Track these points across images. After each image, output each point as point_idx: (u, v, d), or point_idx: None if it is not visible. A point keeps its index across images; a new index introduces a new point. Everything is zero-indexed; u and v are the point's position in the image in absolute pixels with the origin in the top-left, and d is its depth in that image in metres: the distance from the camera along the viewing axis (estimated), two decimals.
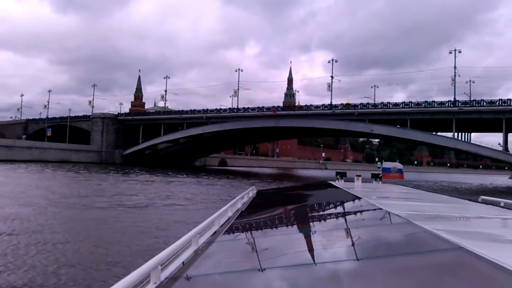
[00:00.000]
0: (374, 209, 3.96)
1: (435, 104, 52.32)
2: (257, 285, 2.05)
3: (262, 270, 2.11)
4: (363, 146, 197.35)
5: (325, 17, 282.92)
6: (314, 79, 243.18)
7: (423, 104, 53.00)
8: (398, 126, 53.65)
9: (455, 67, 54.18)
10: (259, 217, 4.50)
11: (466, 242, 2.03)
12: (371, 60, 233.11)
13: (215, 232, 3.14)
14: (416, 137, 53.36)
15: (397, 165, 11.53)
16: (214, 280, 2.16)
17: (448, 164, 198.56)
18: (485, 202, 4.74)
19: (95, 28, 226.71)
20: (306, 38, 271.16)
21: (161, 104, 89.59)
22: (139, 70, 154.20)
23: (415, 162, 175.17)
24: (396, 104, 55.32)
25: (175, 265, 2.23)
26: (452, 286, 1.71)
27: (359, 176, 8.03)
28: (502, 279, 1.59)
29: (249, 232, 3.57)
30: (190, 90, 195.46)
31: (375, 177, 8.87)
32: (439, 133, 54.81)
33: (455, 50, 54.85)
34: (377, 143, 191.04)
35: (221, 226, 3.35)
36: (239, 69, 73.42)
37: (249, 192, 6.10)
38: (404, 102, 55.13)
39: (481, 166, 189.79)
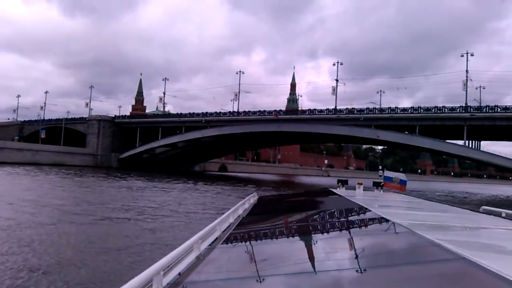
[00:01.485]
0: (376, 218, 3.86)
1: (446, 109, 49.87)
2: None
3: (262, 278, 2.06)
4: (366, 154, 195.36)
5: (334, 23, 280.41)
6: (319, 85, 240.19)
7: (433, 110, 50.52)
8: (406, 133, 51.23)
9: (467, 71, 51.62)
10: (260, 224, 4.44)
11: (469, 253, 2.01)
12: (378, 67, 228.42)
13: (216, 239, 3.11)
14: (423, 144, 50.86)
15: (400, 175, 10.49)
16: (215, 286, 2.16)
17: (452, 173, 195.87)
18: (487, 212, 4.75)
19: (102, 32, 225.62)
20: (314, 44, 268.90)
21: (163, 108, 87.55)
22: (141, 74, 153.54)
23: (419, 171, 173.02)
24: (404, 110, 52.85)
25: (177, 271, 2.22)
26: None
27: (361, 184, 7.93)
28: None
29: (250, 239, 3.47)
30: (194, 95, 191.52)
31: (377, 185, 8.77)
32: (447, 141, 52.25)
33: (467, 53, 52.45)
34: (380, 151, 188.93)
35: (222, 232, 3.33)
36: (240, 71, 71.52)
37: (250, 199, 6.07)
38: (413, 107, 52.60)
39: (485, 176, 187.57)
